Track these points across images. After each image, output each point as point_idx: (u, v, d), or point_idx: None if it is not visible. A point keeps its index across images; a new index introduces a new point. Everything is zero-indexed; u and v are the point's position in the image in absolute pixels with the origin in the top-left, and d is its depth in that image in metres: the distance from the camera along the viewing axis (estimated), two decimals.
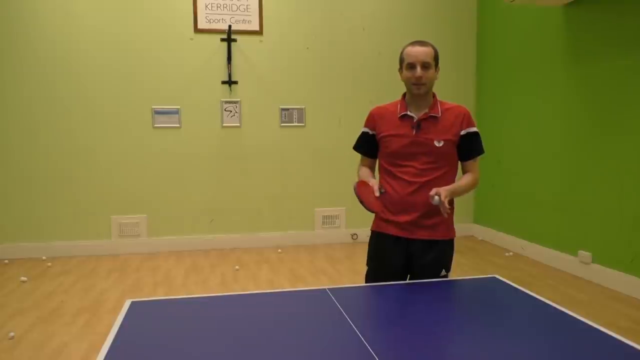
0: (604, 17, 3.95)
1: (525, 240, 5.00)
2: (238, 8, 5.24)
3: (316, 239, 5.55)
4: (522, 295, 1.87)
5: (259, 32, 5.31)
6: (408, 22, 5.61)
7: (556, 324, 1.58)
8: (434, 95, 2.13)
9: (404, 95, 2.17)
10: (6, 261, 4.84)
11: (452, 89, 5.78)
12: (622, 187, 3.83)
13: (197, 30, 5.17)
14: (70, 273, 4.46)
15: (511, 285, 1.98)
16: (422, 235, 2.08)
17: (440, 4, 5.68)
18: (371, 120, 2.20)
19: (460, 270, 4.48)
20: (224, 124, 5.32)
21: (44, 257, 4.94)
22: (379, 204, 2.01)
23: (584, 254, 4.21)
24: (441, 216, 2.06)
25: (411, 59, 2.03)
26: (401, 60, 2.10)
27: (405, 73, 2.06)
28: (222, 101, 5.29)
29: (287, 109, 5.43)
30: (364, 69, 5.52)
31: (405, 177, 2.07)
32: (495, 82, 5.47)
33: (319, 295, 1.89)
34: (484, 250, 5.27)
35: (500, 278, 2.09)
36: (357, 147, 2.29)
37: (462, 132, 2.08)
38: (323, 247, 5.40)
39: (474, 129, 2.12)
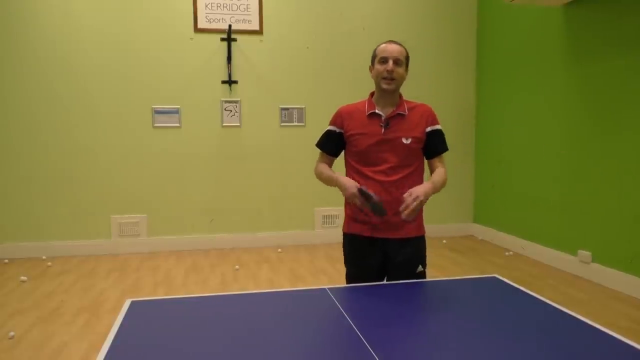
0: (603, 17, 3.95)
1: (525, 240, 5.00)
2: (238, 8, 5.24)
3: (316, 238, 5.56)
4: (522, 295, 1.87)
5: (259, 32, 5.31)
6: (408, 22, 5.61)
7: (556, 323, 1.58)
8: (400, 96, 2.17)
9: (372, 94, 2.20)
10: (6, 261, 4.84)
11: (452, 89, 5.79)
12: (622, 187, 3.83)
13: (197, 30, 5.17)
14: (70, 273, 4.46)
15: (511, 285, 1.98)
16: (396, 234, 2.11)
17: (441, 4, 5.68)
18: (339, 119, 2.18)
19: (460, 270, 4.49)
20: (224, 124, 5.32)
21: (44, 257, 4.94)
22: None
23: (584, 254, 4.21)
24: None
25: (384, 53, 2.08)
26: (373, 57, 2.14)
27: (377, 67, 2.10)
28: (222, 101, 5.29)
29: (287, 109, 5.44)
30: (364, 69, 5.49)
31: (377, 177, 2.08)
32: (495, 82, 5.47)
33: (319, 295, 1.89)
34: (484, 250, 5.27)
35: (500, 278, 2.09)
36: (321, 145, 2.25)
37: (428, 130, 2.15)
38: (323, 246, 5.40)
39: (439, 127, 2.19)
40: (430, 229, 6.16)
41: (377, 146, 2.09)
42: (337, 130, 2.18)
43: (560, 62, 4.45)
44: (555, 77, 4.52)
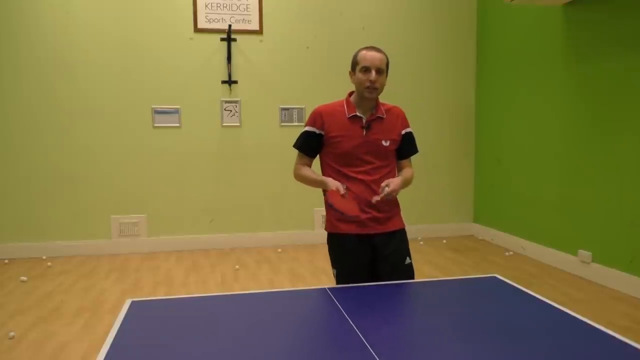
0: (603, 17, 3.95)
1: (525, 240, 5.00)
2: (238, 7, 5.24)
3: (316, 238, 5.55)
4: (522, 294, 1.87)
5: (259, 32, 5.31)
6: (408, 22, 5.61)
7: (556, 323, 1.58)
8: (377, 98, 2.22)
9: (350, 94, 2.23)
10: (6, 261, 4.84)
11: (452, 89, 5.79)
12: (622, 187, 3.83)
13: (197, 29, 5.17)
14: (70, 273, 4.46)
15: (511, 285, 1.98)
16: (382, 229, 2.17)
17: (440, 3, 5.68)
18: (319, 120, 2.17)
19: (460, 270, 4.49)
20: (223, 124, 5.32)
21: (44, 257, 4.94)
22: (354, 207, 2.01)
23: (584, 254, 4.21)
24: (394, 208, 2.22)
25: (367, 62, 2.10)
26: (354, 63, 2.16)
27: (359, 76, 2.12)
28: (222, 101, 5.29)
29: (287, 109, 5.44)
30: None
31: (359, 177, 2.14)
32: (495, 82, 5.47)
33: (319, 295, 1.89)
34: (484, 249, 5.27)
35: (500, 278, 2.09)
36: (300, 147, 2.24)
37: (403, 132, 2.23)
38: (323, 246, 5.35)
39: (410, 130, 2.27)
40: (430, 229, 6.18)
41: (359, 148, 2.14)
42: (317, 131, 2.18)
43: (560, 62, 4.45)
44: (555, 77, 4.51)
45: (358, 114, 2.16)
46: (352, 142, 2.13)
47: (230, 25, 5.07)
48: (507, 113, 5.27)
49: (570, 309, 1.71)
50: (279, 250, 5.25)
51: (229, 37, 5.15)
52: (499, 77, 5.41)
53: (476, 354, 1.37)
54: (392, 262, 2.18)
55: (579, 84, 4.24)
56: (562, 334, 1.50)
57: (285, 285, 4.09)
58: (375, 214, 2.15)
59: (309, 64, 5.44)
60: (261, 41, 5.32)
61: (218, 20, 5.20)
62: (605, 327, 1.56)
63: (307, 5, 5.38)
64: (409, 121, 2.30)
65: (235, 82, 5.27)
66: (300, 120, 5.43)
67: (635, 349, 1.40)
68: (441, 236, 5.76)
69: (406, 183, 2.18)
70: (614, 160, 3.90)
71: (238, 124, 5.34)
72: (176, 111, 5.20)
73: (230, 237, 5.40)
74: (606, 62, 3.94)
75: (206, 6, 5.17)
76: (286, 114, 5.43)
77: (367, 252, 2.17)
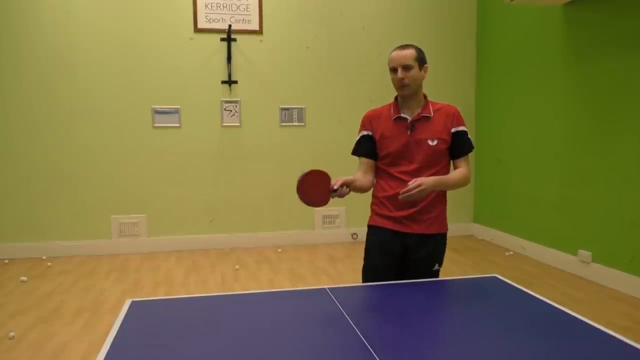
0: (603, 17, 3.95)
1: (525, 240, 5.00)
2: (238, 7, 5.24)
3: (316, 238, 5.55)
4: (522, 294, 1.87)
5: (259, 32, 5.31)
6: (408, 22, 5.61)
7: (556, 323, 1.58)
8: (425, 97, 2.21)
9: (396, 98, 2.24)
10: (6, 261, 4.84)
11: (452, 89, 5.78)
12: (622, 187, 3.83)
13: (197, 30, 5.17)
14: (70, 273, 4.46)
15: (511, 285, 1.98)
16: (418, 229, 2.15)
17: (440, 4, 5.68)
18: (367, 122, 2.25)
19: (460, 270, 4.48)
20: (223, 124, 5.32)
21: (44, 257, 4.94)
22: (320, 199, 2.01)
23: (584, 254, 4.21)
24: (436, 212, 2.17)
25: (392, 63, 2.13)
26: (389, 65, 2.19)
27: (391, 77, 2.16)
28: (222, 101, 5.29)
29: (287, 109, 5.43)
30: (364, 69, 5.52)
31: (404, 177, 2.12)
32: (495, 82, 5.47)
33: (319, 294, 1.89)
34: (484, 249, 5.27)
35: (500, 277, 2.09)
36: (356, 151, 2.29)
37: (453, 130, 2.17)
38: (323, 246, 5.40)
39: (463, 128, 2.20)
40: None
41: (404, 149, 2.14)
42: (367, 133, 2.23)
43: (560, 62, 4.45)
44: (555, 77, 4.51)
45: (403, 115, 2.17)
46: (397, 143, 2.14)
47: (230, 25, 5.07)
48: (507, 113, 5.27)
49: (570, 309, 1.71)
50: (279, 250, 5.24)
51: (229, 37, 5.15)
52: (499, 77, 5.41)
53: (476, 353, 1.37)
54: (421, 266, 2.16)
55: (579, 84, 4.24)
56: (562, 334, 1.50)
57: (285, 285, 4.09)
58: (413, 212, 2.13)
59: (309, 64, 5.44)
60: (261, 41, 5.32)
61: (218, 20, 5.20)
62: (605, 327, 1.55)
63: (307, 5, 5.38)
64: None
65: (235, 82, 5.27)
66: (300, 120, 5.43)
67: (635, 349, 1.40)
68: None
69: (445, 183, 2.10)
70: (614, 160, 3.90)
71: (238, 124, 5.34)
72: (176, 111, 5.20)
73: (230, 237, 5.40)
74: (606, 62, 3.94)
75: (206, 6, 5.17)
76: (286, 114, 5.43)
77: (397, 249, 2.17)
